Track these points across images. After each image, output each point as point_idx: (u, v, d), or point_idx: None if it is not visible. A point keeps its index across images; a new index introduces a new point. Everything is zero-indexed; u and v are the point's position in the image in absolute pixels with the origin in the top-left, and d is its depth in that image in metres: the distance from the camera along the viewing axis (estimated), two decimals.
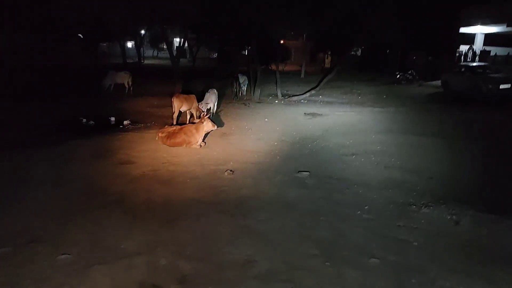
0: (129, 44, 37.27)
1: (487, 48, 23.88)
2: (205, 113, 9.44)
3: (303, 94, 16.50)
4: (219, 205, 5.31)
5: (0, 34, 20.29)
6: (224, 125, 10.32)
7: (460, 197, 5.73)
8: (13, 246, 4.12)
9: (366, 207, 5.32)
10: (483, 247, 4.36)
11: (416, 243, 4.40)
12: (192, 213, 5.05)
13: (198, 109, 10.34)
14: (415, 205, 5.41)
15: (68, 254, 3.98)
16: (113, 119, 10.52)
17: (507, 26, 20.77)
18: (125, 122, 10.33)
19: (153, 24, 22.66)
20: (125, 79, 15.71)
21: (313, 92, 16.98)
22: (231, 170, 6.68)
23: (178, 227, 4.66)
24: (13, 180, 6.00)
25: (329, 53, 32.62)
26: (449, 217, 5.05)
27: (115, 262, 3.88)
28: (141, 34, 29.64)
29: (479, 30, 23.65)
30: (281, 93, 16.10)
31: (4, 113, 10.88)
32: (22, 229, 4.49)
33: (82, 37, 26.39)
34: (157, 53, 43.14)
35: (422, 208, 5.32)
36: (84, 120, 10.32)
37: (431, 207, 5.33)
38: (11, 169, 6.47)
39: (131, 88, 15.69)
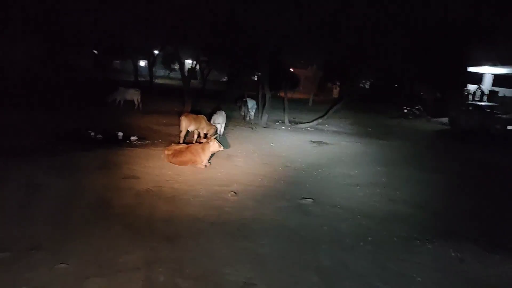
0: (142, 63, 38.00)
1: (496, 88, 24.02)
2: (212, 134, 9.51)
3: (310, 122, 16.59)
4: (220, 226, 5.27)
5: (14, 46, 20.91)
6: (230, 147, 10.36)
7: (464, 233, 5.66)
8: (13, 251, 4.10)
9: (369, 238, 5.25)
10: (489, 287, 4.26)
11: (419, 279, 4.31)
12: (193, 231, 5.02)
13: (211, 127, 10.45)
14: (419, 240, 5.33)
15: (67, 264, 3.95)
16: (120, 134, 10.60)
17: None
18: (132, 138, 10.40)
19: (168, 45, 23.14)
20: (134, 96, 15.94)
21: (320, 120, 17.07)
22: (234, 192, 6.66)
23: (178, 245, 4.62)
24: (18, 187, 6.02)
25: (338, 83, 32.96)
26: (453, 254, 4.97)
27: (113, 276, 3.83)
28: (154, 54, 30.25)
29: (488, 71, 23.85)
30: (289, 120, 16.20)
31: (15, 121, 11.03)
32: (23, 236, 4.48)
33: (96, 53, 27.07)
34: (169, 73, 43.81)
35: (426, 243, 5.24)
36: (93, 133, 10.40)
37: (435, 243, 5.25)
38: (17, 176, 6.50)
39: (141, 105, 15.88)
